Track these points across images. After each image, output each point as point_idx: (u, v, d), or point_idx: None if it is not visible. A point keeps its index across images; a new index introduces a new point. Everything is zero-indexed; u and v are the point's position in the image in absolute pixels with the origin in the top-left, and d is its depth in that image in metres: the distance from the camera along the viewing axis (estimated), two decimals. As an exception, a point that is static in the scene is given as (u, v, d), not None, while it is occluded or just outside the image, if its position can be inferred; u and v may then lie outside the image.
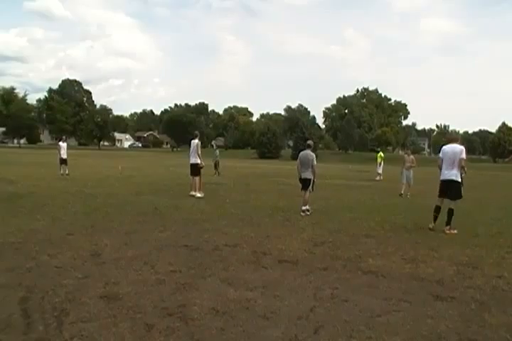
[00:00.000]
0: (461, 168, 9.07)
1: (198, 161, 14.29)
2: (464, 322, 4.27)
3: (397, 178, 19.48)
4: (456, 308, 4.63)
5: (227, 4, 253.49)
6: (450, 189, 9.10)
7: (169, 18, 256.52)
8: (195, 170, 14.28)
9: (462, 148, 9.14)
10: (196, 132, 15.04)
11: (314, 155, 11.24)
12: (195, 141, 14.36)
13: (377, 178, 27.10)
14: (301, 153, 11.46)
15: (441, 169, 9.29)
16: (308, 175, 11.18)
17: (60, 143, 22.30)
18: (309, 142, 11.74)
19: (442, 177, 9.24)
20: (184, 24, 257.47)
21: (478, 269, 6.26)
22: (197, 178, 14.23)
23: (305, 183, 11.22)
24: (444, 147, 9.47)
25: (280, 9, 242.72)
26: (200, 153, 14.26)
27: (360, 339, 3.81)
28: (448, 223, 9.04)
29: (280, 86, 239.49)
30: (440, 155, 9.39)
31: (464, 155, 9.05)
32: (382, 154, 28.14)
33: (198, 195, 13.86)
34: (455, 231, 8.93)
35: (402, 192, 16.74)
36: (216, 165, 26.36)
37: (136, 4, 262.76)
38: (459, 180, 9.06)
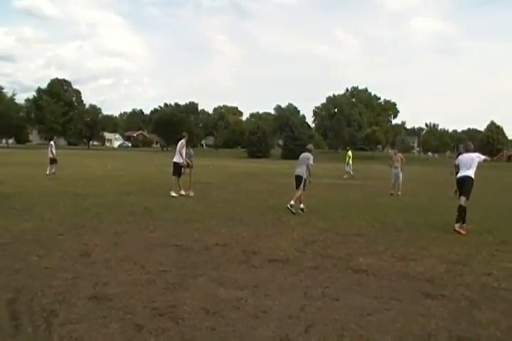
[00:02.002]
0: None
1: (179, 160, 14.23)
2: (454, 319, 4.29)
3: (386, 177, 19.56)
4: (447, 306, 4.66)
5: (217, 4, 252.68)
6: (463, 185, 9.49)
7: (159, 18, 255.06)
8: (175, 169, 14.25)
9: (477, 154, 9.98)
10: (184, 133, 15.01)
11: (312, 157, 11.65)
12: (181, 141, 14.34)
13: (345, 176, 27.35)
14: (301, 154, 11.93)
15: (457, 173, 10.05)
16: (301, 172, 11.45)
17: (52, 142, 22.20)
18: (309, 146, 12.34)
19: (458, 176, 9.76)
20: (174, 23, 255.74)
21: (468, 267, 6.31)
22: (174, 177, 14.20)
23: (297, 180, 11.42)
24: (459, 156, 10.19)
25: (270, 9, 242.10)
26: (182, 151, 14.22)
27: (351, 337, 3.81)
28: (457, 220, 9.11)
29: (270, 85, 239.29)
30: (456, 162, 10.18)
31: (482, 157, 9.87)
32: (350, 153, 28.52)
33: (173, 193, 13.82)
34: (463, 232, 8.89)
35: (393, 191, 16.80)
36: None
37: (126, 3, 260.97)
38: (473, 177, 9.49)
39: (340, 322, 4.12)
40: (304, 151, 12.03)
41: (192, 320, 4.08)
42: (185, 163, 14.33)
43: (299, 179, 11.40)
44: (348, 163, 28.12)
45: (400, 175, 17.06)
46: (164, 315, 4.17)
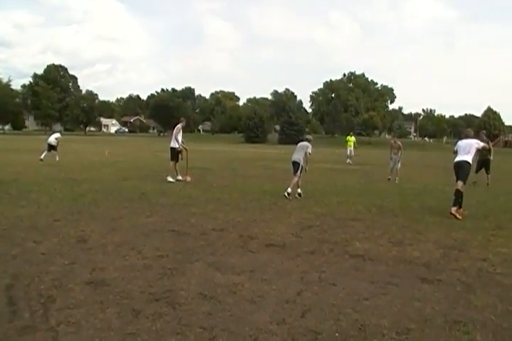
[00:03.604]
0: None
1: (175, 145, 14.18)
2: (450, 304, 4.32)
3: (383, 162, 19.58)
4: (443, 291, 4.68)
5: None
6: (460, 169, 9.49)
7: (155, 2, 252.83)
8: (172, 154, 14.24)
9: (476, 140, 10.04)
10: (182, 118, 14.94)
11: (310, 146, 11.62)
12: (177, 126, 14.28)
13: (348, 161, 27.47)
14: (300, 143, 11.92)
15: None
16: (298, 159, 11.41)
17: (59, 134, 22.48)
18: (309, 136, 12.35)
19: (455, 160, 9.68)
20: (171, 8, 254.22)
21: (464, 252, 6.33)
22: (172, 163, 14.18)
23: (294, 167, 11.40)
24: (458, 142, 10.10)
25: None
26: (177, 137, 14.17)
27: (347, 322, 3.83)
28: (454, 204, 9.12)
29: (267, 70, 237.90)
30: (455, 148, 10.03)
31: (481, 144, 9.94)
32: (351, 138, 28.77)
33: (170, 179, 13.79)
34: (459, 217, 8.90)
35: (390, 177, 16.82)
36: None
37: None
38: (470, 162, 9.55)
39: (336, 307, 4.14)
40: (302, 140, 12.01)
41: (189, 304, 4.09)
42: (181, 148, 14.27)
43: (296, 165, 11.37)
44: (355, 148, 28.47)
45: (399, 161, 17.08)
46: (161, 300, 4.18)
